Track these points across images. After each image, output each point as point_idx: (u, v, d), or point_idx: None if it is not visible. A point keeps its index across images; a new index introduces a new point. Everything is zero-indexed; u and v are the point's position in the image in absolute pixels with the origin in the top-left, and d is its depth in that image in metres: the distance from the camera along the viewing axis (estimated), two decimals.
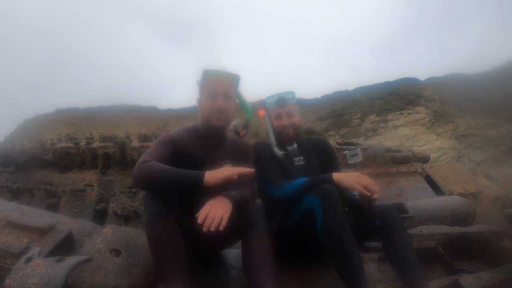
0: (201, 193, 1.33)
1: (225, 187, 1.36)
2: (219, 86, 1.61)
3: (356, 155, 1.76)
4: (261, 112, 1.97)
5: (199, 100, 1.68)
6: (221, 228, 1.26)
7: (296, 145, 1.89)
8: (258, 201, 1.72)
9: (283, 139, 1.88)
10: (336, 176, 1.57)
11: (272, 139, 1.87)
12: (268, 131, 1.91)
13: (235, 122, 1.74)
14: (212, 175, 1.33)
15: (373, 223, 1.56)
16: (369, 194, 1.50)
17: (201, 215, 1.27)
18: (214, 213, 1.27)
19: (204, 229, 1.25)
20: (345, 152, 1.81)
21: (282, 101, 1.89)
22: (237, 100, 1.71)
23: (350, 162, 1.74)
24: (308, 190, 1.55)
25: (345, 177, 1.56)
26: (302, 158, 1.87)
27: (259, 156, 1.78)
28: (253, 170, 1.43)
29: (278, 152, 1.80)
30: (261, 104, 1.96)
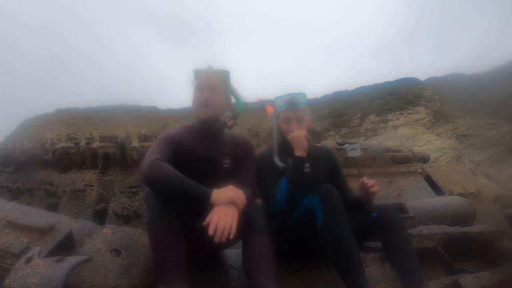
0: (205, 207, 1.35)
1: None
2: (206, 80, 1.64)
3: (355, 149, 1.77)
4: (270, 109, 1.86)
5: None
6: (231, 237, 1.28)
7: None
8: (259, 201, 1.72)
9: (289, 144, 1.78)
10: (297, 151, 1.66)
11: (275, 144, 1.79)
12: (273, 133, 1.81)
13: (224, 114, 1.69)
14: (219, 196, 1.34)
15: (371, 218, 1.54)
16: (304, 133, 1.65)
17: (211, 226, 1.28)
18: (223, 223, 1.28)
19: (216, 240, 1.27)
20: (345, 145, 1.82)
21: (294, 105, 1.78)
22: (230, 95, 1.71)
23: (349, 155, 1.75)
24: (294, 187, 1.58)
25: (294, 140, 1.67)
26: (308, 165, 1.80)
27: (259, 169, 1.72)
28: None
29: (279, 164, 1.72)
30: (270, 103, 1.89)
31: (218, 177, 1.57)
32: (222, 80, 1.67)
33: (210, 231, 1.27)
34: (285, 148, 1.79)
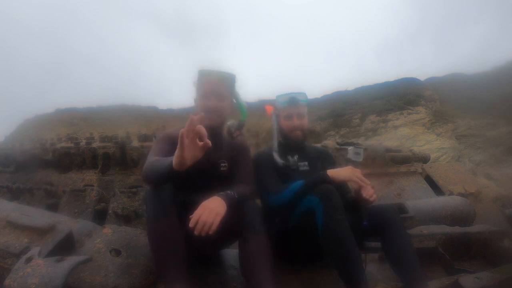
0: (174, 175, 1.26)
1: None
2: (212, 86, 1.63)
3: (358, 154, 1.77)
4: (269, 108, 1.92)
5: (196, 100, 1.70)
6: (210, 232, 1.27)
7: (297, 156, 1.85)
8: (258, 201, 1.71)
9: (290, 140, 1.86)
10: (331, 172, 1.61)
11: (275, 141, 1.84)
12: (272, 131, 1.88)
13: (230, 123, 1.73)
14: (177, 161, 1.22)
15: (362, 225, 1.54)
16: (364, 184, 1.54)
17: (193, 219, 1.28)
18: (206, 217, 1.28)
19: (196, 232, 1.27)
20: (349, 147, 1.81)
21: (294, 101, 1.85)
22: (234, 100, 1.71)
23: (353, 158, 1.75)
24: (307, 191, 1.56)
25: (339, 172, 1.60)
26: (306, 163, 1.85)
27: (258, 165, 1.78)
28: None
29: (279, 160, 1.78)
30: (269, 103, 1.94)
31: (216, 180, 1.61)
32: (227, 85, 1.67)
33: (191, 224, 1.27)
34: (285, 145, 1.86)
